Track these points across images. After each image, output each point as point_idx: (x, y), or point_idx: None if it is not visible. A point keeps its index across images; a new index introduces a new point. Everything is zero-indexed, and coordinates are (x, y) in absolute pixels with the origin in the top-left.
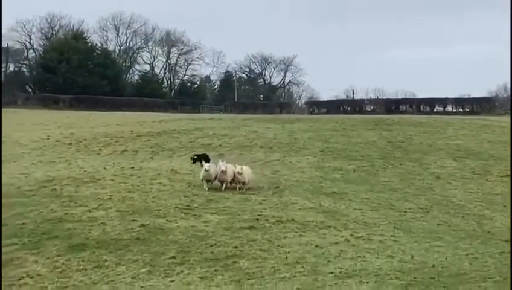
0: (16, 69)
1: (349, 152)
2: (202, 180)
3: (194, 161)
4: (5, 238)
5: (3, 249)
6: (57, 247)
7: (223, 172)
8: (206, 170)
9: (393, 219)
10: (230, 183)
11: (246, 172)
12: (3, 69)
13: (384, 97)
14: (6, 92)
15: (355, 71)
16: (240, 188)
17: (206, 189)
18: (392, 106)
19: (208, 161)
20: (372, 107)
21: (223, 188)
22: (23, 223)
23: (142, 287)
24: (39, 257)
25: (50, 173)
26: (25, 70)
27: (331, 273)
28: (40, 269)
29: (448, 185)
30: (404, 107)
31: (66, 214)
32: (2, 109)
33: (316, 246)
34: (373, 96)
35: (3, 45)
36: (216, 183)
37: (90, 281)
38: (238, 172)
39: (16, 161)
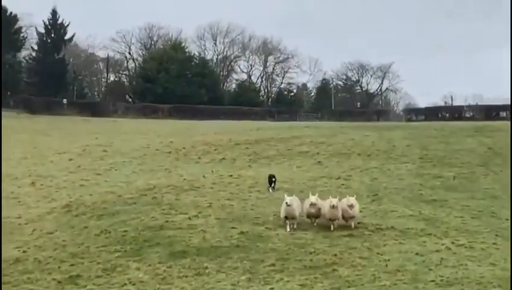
0: (116, 79)
1: (449, 159)
2: (284, 217)
3: (272, 182)
4: (109, 245)
5: (107, 257)
6: (158, 254)
7: (334, 207)
8: (288, 205)
9: (495, 227)
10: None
11: (356, 205)
12: (103, 80)
13: (484, 103)
14: (107, 102)
15: (453, 76)
16: (350, 226)
17: (289, 230)
18: (492, 113)
19: (274, 180)
20: (471, 114)
21: (332, 228)
22: (125, 231)
23: None
24: (141, 264)
25: (150, 181)
26: (125, 80)
27: (432, 281)
28: (142, 276)
29: None
30: (505, 114)
31: (166, 221)
32: (104, 118)
33: (417, 253)
34: (472, 103)
35: (104, 55)
36: (302, 219)
37: (191, 288)
38: (349, 205)
39: (117, 170)
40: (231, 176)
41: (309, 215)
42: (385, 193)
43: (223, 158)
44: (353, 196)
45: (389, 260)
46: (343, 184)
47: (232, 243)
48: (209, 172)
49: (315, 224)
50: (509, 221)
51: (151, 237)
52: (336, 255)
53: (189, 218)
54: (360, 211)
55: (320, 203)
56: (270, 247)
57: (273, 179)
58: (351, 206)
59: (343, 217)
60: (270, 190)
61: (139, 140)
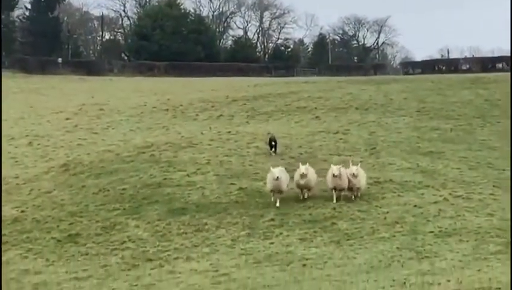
0: (111, 37)
1: (446, 111)
2: (271, 191)
3: (273, 146)
4: (107, 203)
5: (106, 215)
6: (157, 211)
7: (336, 177)
8: (276, 179)
9: (492, 177)
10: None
11: (361, 174)
12: (98, 38)
13: (480, 56)
14: (103, 61)
15: (449, 30)
16: (354, 196)
17: (278, 204)
18: (488, 64)
19: (275, 143)
20: (467, 66)
21: (334, 200)
22: (123, 189)
23: (242, 249)
24: (140, 222)
25: (148, 139)
26: (120, 38)
27: (431, 232)
28: (141, 233)
29: None
30: (501, 65)
31: (165, 179)
32: (99, 77)
33: (415, 205)
34: (468, 55)
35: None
36: (292, 191)
37: (191, 244)
38: (353, 174)
39: (114, 128)
40: (229, 132)
41: (299, 187)
42: (383, 146)
43: (221, 115)
44: (358, 165)
45: (387, 212)
46: (341, 138)
47: (231, 199)
48: (206, 129)
49: (306, 197)
50: (510, 171)
51: (149, 194)
52: (334, 209)
53: (188, 175)
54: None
55: (311, 173)
56: (269, 202)
57: (273, 143)
58: (354, 175)
59: (349, 188)
60: (272, 154)
61: (135, 98)
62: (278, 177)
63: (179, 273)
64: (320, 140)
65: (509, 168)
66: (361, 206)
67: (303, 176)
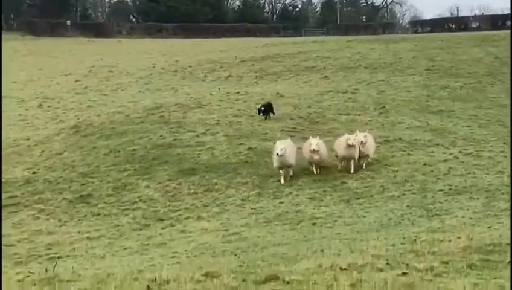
0: None
1: (456, 70)
2: (278, 168)
3: (262, 112)
4: (118, 164)
5: (117, 176)
6: (168, 172)
7: (351, 146)
8: (279, 155)
9: (503, 135)
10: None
11: (370, 141)
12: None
13: (490, 13)
14: (111, 23)
15: None
16: (365, 165)
17: (283, 182)
18: (498, 22)
19: (270, 110)
20: (477, 24)
21: (351, 170)
22: (133, 150)
23: (252, 208)
24: (151, 182)
25: (157, 101)
26: (128, 0)
27: (441, 190)
28: (152, 193)
29: None
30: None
31: (174, 139)
32: (108, 39)
33: (425, 164)
34: (478, 13)
35: None
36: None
37: (201, 204)
38: (362, 142)
39: (123, 90)
40: (238, 93)
41: (312, 162)
42: (392, 105)
43: (229, 76)
44: (365, 131)
45: (397, 171)
46: (350, 98)
47: (241, 159)
48: (215, 90)
49: (318, 172)
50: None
51: (159, 155)
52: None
53: (197, 135)
54: (367, 124)
55: (323, 148)
56: None
57: (262, 108)
58: (362, 143)
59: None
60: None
61: (144, 60)
62: (280, 153)
63: (189, 233)
64: (329, 100)
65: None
66: (370, 165)
67: (315, 152)
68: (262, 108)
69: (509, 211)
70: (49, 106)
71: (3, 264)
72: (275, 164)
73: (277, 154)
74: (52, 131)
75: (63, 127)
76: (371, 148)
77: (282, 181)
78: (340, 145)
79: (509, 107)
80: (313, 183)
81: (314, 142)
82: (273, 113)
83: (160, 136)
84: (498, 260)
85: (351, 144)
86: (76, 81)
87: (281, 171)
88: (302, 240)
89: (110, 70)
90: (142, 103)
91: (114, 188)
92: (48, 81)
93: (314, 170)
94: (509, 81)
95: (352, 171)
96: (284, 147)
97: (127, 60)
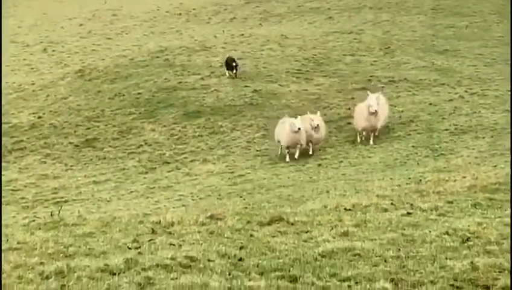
0: None
1: (461, 8)
2: (286, 147)
3: (231, 67)
4: (123, 108)
5: (123, 119)
6: (173, 115)
7: (373, 114)
8: (295, 131)
9: (509, 74)
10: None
11: (383, 106)
12: None
13: None
14: None
15: None
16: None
17: (288, 160)
18: None
19: (234, 65)
20: None
21: (371, 141)
22: (139, 93)
23: (257, 150)
24: (156, 125)
25: (162, 44)
26: None
27: (446, 130)
28: (157, 136)
29: None
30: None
31: (179, 82)
32: None
33: (430, 104)
34: None
35: None
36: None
37: (206, 147)
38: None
39: (128, 33)
40: (242, 35)
41: (310, 140)
42: (397, 45)
43: (234, 18)
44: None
45: (402, 111)
46: (355, 38)
47: (246, 101)
48: (220, 32)
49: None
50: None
51: (164, 98)
52: (349, 108)
53: (202, 78)
54: (372, 64)
55: (322, 125)
56: (283, 104)
57: (234, 64)
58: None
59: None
60: (232, 75)
61: (148, 3)
62: (297, 128)
63: (195, 176)
64: (333, 41)
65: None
66: None
67: (317, 128)
68: (234, 64)
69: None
70: (53, 50)
71: (11, 209)
72: (287, 142)
73: (295, 130)
74: (57, 75)
75: (67, 71)
76: (382, 118)
77: (288, 159)
78: (360, 113)
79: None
80: None
81: (317, 118)
82: (237, 67)
83: (165, 79)
84: (503, 198)
85: (373, 110)
86: (81, 25)
87: (286, 150)
88: (308, 181)
89: (114, 13)
90: (146, 46)
91: (119, 132)
92: (52, 26)
93: (311, 150)
94: None
95: (372, 142)
96: (299, 120)
97: (131, 3)
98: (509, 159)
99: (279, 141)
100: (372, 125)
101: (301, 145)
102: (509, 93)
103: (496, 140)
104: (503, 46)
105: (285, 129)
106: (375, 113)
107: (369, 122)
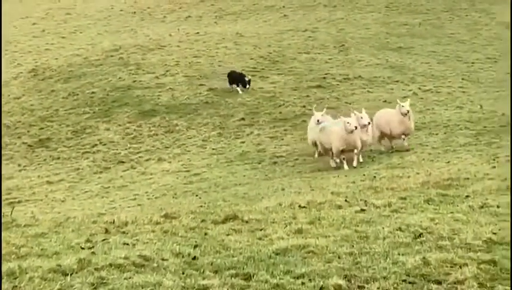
0: None
1: (415, 6)
2: (341, 152)
3: (244, 82)
4: (77, 107)
5: (77, 119)
6: (128, 114)
7: (406, 116)
8: (351, 131)
9: (461, 71)
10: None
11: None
12: None
13: None
14: None
15: None
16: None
17: (346, 167)
18: None
19: (246, 80)
20: None
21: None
22: (93, 93)
23: (213, 149)
24: (111, 125)
25: (116, 42)
26: None
27: None
28: (112, 136)
29: None
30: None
31: (134, 81)
32: None
33: (384, 101)
34: None
35: None
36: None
37: (162, 146)
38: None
39: (82, 32)
40: (197, 33)
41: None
42: (352, 43)
43: (189, 16)
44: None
45: (357, 108)
46: (310, 36)
47: (201, 99)
48: (175, 31)
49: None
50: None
51: (119, 97)
52: (304, 106)
53: (157, 77)
54: (327, 62)
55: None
56: (239, 102)
57: (247, 79)
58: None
59: None
60: (239, 90)
61: (102, 1)
62: (351, 126)
63: (150, 175)
64: (288, 38)
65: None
66: (330, 103)
67: (365, 127)
68: (236, 77)
69: (468, 145)
70: (6, 50)
71: None
72: (339, 146)
73: (350, 127)
74: (10, 75)
75: (20, 70)
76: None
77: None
78: (392, 118)
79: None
80: (273, 122)
81: (365, 116)
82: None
83: (120, 78)
84: (455, 194)
85: (406, 112)
86: (34, 24)
87: (343, 156)
88: (263, 179)
89: (67, 12)
90: (100, 45)
91: (73, 131)
92: (4, 25)
93: (356, 159)
94: (468, 17)
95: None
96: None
97: (85, 1)
98: (462, 155)
99: (315, 145)
100: (408, 128)
101: (357, 148)
102: (461, 89)
103: (448, 136)
104: (455, 43)
105: (334, 131)
106: (407, 114)
107: (404, 126)
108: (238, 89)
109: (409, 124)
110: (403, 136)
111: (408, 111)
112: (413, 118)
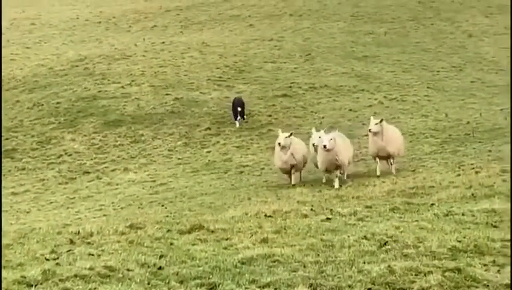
0: None
1: (380, 15)
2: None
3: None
4: (42, 118)
5: (42, 129)
6: (93, 124)
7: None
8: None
9: (426, 79)
10: None
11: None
12: None
13: None
14: None
15: None
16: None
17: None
18: None
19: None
20: None
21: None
22: (58, 103)
23: (179, 159)
24: (76, 135)
25: (81, 52)
26: None
27: (366, 135)
28: (77, 146)
29: (480, 43)
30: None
31: (99, 91)
32: None
33: (350, 110)
34: None
35: None
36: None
37: (127, 156)
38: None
39: (46, 42)
40: (163, 43)
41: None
42: (318, 52)
43: (155, 26)
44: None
45: (323, 117)
46: (275, 46)
47: (167, 109)
48: (140, 40)
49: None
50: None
51: (84, 107)
52: (270, 115)
53: (123, 87)
54: (293, 72)
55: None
56: (205, 111)
57: (239, 109)
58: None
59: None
60: (237, 123)
61: (67, 11)
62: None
63: (116, 185)
64: (254, 48)
65: None
66: (297, 112)
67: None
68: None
69: (434, 153)
70: None
71: None
72: (323, 166)
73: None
74: None
75: None
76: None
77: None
78: (394, 136)
79: (434, 50)
80: (239, 132)
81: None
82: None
83: (85, 88)
84: (420, 202)
85: (369, 130)
86: None
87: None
88: (230, 188)
89: (32, 22)
90: (65, 55)
91: (38, 142)
92: None
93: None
94: (433, 26)
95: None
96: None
97: (50, 11)
98: (427, 163)
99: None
100: (381, 149)
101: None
102: (426, 98)
103: (414, 145)
104: (420, 52)
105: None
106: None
107: (375, 145)
108: (237, 122)
109: (382, 145)
110: (390, 160)
111: (377, 131)
112: (400, 139)
